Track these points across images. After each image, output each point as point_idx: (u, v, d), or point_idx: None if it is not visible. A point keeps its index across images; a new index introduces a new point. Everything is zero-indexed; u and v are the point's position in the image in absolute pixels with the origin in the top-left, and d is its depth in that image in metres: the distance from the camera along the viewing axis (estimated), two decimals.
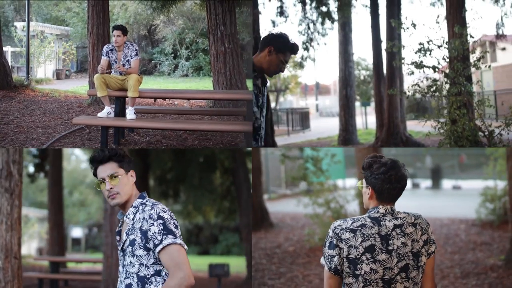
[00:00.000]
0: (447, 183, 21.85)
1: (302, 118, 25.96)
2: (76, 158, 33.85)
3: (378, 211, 3.04)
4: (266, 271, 9.32)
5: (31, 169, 17.30)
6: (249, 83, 14.17)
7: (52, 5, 21.81)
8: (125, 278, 3.07)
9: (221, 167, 15.72)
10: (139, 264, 3.01)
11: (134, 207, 3.08)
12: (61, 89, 15.30)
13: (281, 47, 4.37)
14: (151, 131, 9.42)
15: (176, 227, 3.01)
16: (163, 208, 3.02)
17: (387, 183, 3.03)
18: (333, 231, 3.02)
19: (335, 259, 2.98)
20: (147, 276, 3.00)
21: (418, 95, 10.88)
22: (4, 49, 14.98)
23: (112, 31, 8.46)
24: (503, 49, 24.45)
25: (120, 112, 8.55)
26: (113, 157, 3.11)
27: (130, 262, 3.03)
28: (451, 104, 10.10)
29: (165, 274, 2.99)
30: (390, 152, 23.38)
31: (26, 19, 16.42)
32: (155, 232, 2.94)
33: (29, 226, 26.28)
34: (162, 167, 14.35)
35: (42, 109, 11.66)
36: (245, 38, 19.13)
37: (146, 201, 3.09)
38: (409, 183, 19.34)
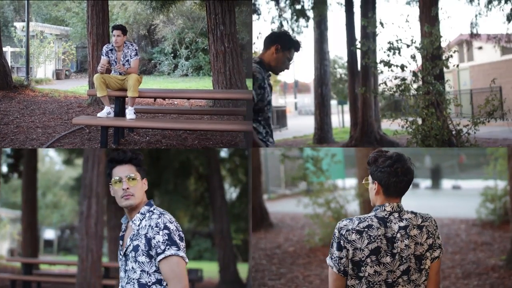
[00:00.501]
0: (446, 183, 21.84)
1: (279, 116, 25.75)
2: (51, 160, 33.38)
3: (384, 209, 2.98)
4: (266, 272, 9.30)
5: (4, 169, 17.06)
6: (249, 83, 14.18)
7: (51, 5, 21.81)
8: (126, 283, 3.07)
9: (195, 173, 15.65)
10: (140, 271, 3.01)
11: (141, 213, 3.09)
12: (60, 89, 15.30)
13: (286, 45, 4.47)
14: (151, 131, 9.41)
15: (181, 239, 3.01)
16: (170, 219, 3.03)
17: (393, 176, 2.97)
18: (339, 231, 2.96)
19: (343, 260, 2.93)
20: (148, 284, 3.00)
21: (387, 94, 10.91)
22: (4, 49, 14.98)
23: (112, 31, 8.45)
24: (480, 48, 24.49)
25: (120, 112, 8.53)
26: (133, 160, 3.14)
27: (132, 268, 3.03)
28: (419, 103, 10.12)
29: (166, 285, 3.00)
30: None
31: (26, 19, 16.42)
32: (159, 241, 2.95)
33: (1, 227, 26.12)
34: None
35: (42, 109, 11.65)
36: (245, 37, 19.12)
37: (154, 209, 3.10)
38: None
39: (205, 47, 20.60)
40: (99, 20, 12.02)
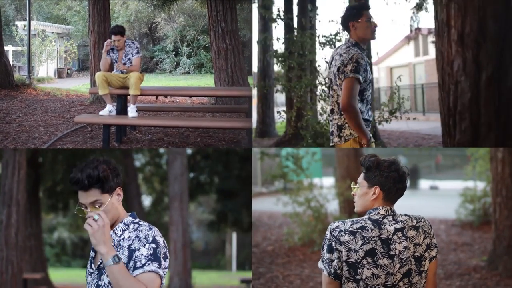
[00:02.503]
0: (424, 183, 21.86)
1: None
2: None
3: (378, 213, 2.94)
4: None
5: None
6: (251, 80, 14.19)
7: (53, 4, 21.82)
8: None
9: None
10: None
11: (124, 223, 2.82)
12: (62, 87, 15.32)
13: (356, 15, 4.69)
14: (153, 129, 9.40)
15: (165, 257, 2.75)
16: (159, 234, 2.79)
17: (398, 182, 2.96)
18: (330, 233, 2.89)
19: (335, 263, 2.86)
20: None
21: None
22: (6, 48, 14.99)
23: (110, 37, 8.33)
24: (433, 42, 24.40)
25: (122, 110, 8.51)
26: (94, 185, 2.71)
27: (109, 283, 2.72)
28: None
29: None
30: (368, 152, 23.27)
31: (27, 18, 16.44)
32: (142, 254, 2.68)
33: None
34: (54, 178, 13.99)
35: (44, 108, 11.65)
36: (246, 35, 19.11)
37: (139, 221, 2.85)
38: None
39: (207, 45, 20.59)
40: (100, 18, 12.03)
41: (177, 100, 12.86)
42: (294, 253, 10.16)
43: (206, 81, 18.30)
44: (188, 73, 21.23)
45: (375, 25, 4.78)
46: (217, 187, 16.63)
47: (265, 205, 15.21)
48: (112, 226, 2.79)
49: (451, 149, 21.14)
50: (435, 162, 23.86)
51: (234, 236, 19.43)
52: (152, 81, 18.56)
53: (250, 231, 15.98)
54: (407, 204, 15.48)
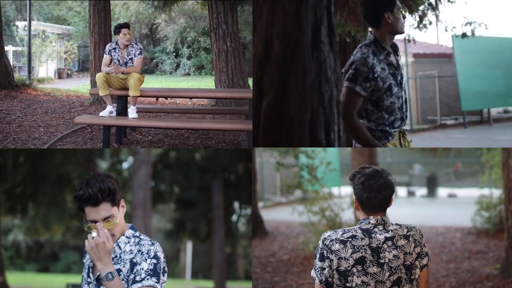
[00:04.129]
0: (442, 191, 21.67)
1: None
2: None
3: (369, 222, 2.98)
4: (260, 280, 9.21)
5: None
6: (251, 82, 14.15)
7: (53, 4, 21.82)
8: None
9: (72, 186, 15.27)
10: None
11: (127, 237, 2.87)
12: (62, 88, 15.30)
13: (391, 2, 4.15)
14: (153, 130, 9.38)
15: (164, 272, 2.84)
16: (161, 249, 2.87)
17: (366, 192, 2.98)
18: (323, 242, 2.96)
19: (326, 271, 2.93)
20: None
21: None
22: (6, 48, 14.97)
23: (119, 30, 8.33)
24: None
25: (122, 111, 8.50)
26: (106, 198, 2.73)
27: None
28: None
29: None
30: (385, 160, 23.41)
31: (28, 19, 16.43)
32: (142, 268, 2.76)
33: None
34: (13, 181, 13.88)
35: (44, 108, 11.64)
36: (247, 36, 19.11)
37: (140, 235, 2.91)
38: (404, 191, 18.82)
39: (207, 46, 20.58)
40: (101, 19, 12.02)
41: (177, 102, 12.85)
42: (309, 262, 10.11)
43: (207, 82, 18.29)
44: (189, 74, 21.22)
45: (404, 18, 4.34)
46: (177, 196, 16.65)
47: (283, 214, 15.16)
48: (117, 238, 2.84)
49: (471, 156, 21.03)
50: (454, 169, 23.71)
51: (190, 245, 19.41)
52: (152, 82, 18.55)
53: (207, 240, 16.14)
54: (423, 212, 15.57)
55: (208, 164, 14.69)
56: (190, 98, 11.50)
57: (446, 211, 16.10)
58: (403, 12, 4.31)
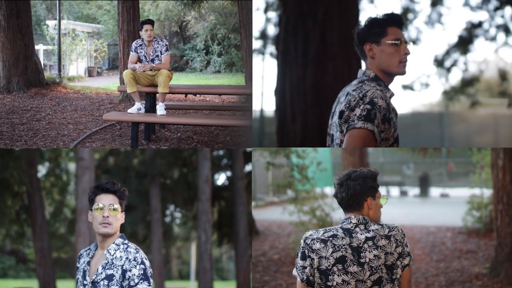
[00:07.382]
0: (435, 191, 21.71)
1: None
2: None
3: (350, 221, 3.04)
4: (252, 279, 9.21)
5: None
6: None
7: (83, 3, 21.91)
8: None
9: (11, 191, 15.14)
10: None
11: (116, 244, 3.20)
12: (92, 86, 15.35)
13: (378, 32, 3.31)
14: (182, 127, 9.33)
15: (152, 276, 3.17)
16: (145, 255, 3.19)
17: (337, 192, 3.11)
18: (304, 241, 3.06)
19: (307, 270, 2.99)
20: None
21: None
22: (37, 47, 15.05)
23: (142, 26, 8.32)
24: None
25: (150, 108, 8.46)
26: (118, 192, 3.23)
27: None
28: None
29: None
30: (377, 160, 23.54)
31: (58, 18, 16.49)
32: (134, 274, 3.08)
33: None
34: None
35: (73, 106, 11.67)
36: None
37: (128, 242, 3.23)
38: (396, 190, 19.10)
39: (238, 43, 20.47)
40: (129, 16, 12.00)
41: (207, 99, 12.78)
42: None
43: (237, 79, 18.21)
44: (219, 71, 21.12)
45: (408, 54, 3.28)
46: None
47: (275, 214, 15.23)
48: (110, 238, 3.19)
49: (463, 156, 20.87)
50: (447, 169, 23.55)
51: None
52: (182, 80, 18.52)
53: (145, 242, 16.18)
54: (416, 212, 15.51)
55: (146, 170, 14.89)
56: (219, 94, 11.40)
57: (438, 211, 16.19)
58: (405, 45, 3.26)
